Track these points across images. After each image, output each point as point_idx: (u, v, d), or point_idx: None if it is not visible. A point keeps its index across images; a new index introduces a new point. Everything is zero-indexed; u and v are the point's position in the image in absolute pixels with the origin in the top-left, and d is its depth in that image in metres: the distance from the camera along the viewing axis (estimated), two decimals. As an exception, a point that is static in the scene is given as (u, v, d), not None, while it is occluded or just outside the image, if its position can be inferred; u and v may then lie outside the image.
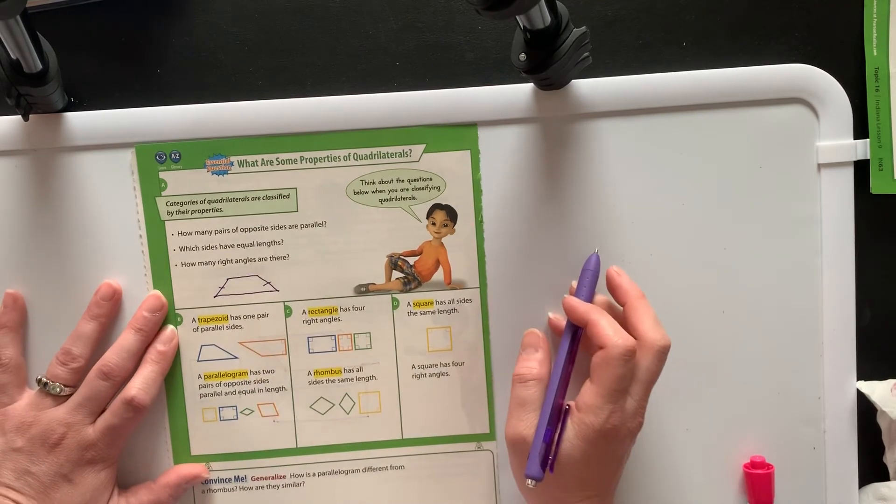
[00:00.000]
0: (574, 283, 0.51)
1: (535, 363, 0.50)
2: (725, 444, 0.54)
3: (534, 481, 0.46)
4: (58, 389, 0.50)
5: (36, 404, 0.50)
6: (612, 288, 0.51)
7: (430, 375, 0.53)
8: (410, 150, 0.52)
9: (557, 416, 0.47)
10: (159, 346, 0.51)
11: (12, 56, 0.45)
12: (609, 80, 0.52)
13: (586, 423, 0.46)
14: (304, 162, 0.52)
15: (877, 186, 0.53)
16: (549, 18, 0.44)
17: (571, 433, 0.46)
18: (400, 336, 0.53)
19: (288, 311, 0.53)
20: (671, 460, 0.54)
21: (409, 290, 0.53)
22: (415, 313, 0.53)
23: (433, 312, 0.53)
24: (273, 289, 0.53)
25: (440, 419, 0.54)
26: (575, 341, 0.49)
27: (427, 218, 0.53)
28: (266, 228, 0.52)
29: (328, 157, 0.52)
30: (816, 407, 0.54)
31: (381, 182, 0.52)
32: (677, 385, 0.53)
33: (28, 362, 0.52)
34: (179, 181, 0.52)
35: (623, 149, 0.52)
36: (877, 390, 0.53)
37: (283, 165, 0.52)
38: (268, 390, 0.53)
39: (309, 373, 0.53)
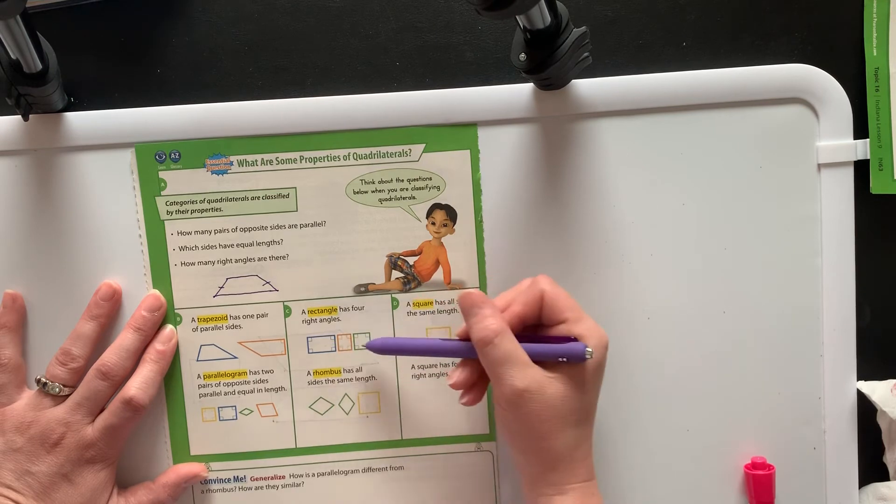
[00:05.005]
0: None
1: (490, 320, 0.46)
2: (726, 445, 0.54)
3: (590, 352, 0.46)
4: (57, 389, 0.49)
5: (35, 404, 0.50)
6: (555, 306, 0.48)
7: (430, 376, 0.53)
8: (410, 149, 0.52)
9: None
10: (158, 345, 0.51)
11: (12, 56, 0.45)
12: (609, 80, 0.52)
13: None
14: (303, 162, 0.52)
15: (877, 186, 0.53)
16: (549, 18, 0.44)
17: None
18: (399, 336, 0.53)
19: (287, 311, 0.53)
20: (672, 461, 0.54)
21: (409, 290, 0.53)
22: (414, 313, 0.53)
23: (433, 312, 0.53)
24: (272, 288, 0.52)
25: (440, 420, 0.54)
26: None
27: (427, 218, 0.52)
28: (265, 228, 0.52)
29: (328, 156, 0.52)
30: (816, 407, 0.54)
31: (381, 182, 0.52)
32: (677, 385, 0.53)
33: (27, 362, 0.52)
34: (179, 181, 0.52)
35: (623, 149, 0.52)
36: (877, 390, 0.53)
37: (283, 165, 0.52)
38: (267, 390, 0.53)
39: (308, 373, 0.53)
